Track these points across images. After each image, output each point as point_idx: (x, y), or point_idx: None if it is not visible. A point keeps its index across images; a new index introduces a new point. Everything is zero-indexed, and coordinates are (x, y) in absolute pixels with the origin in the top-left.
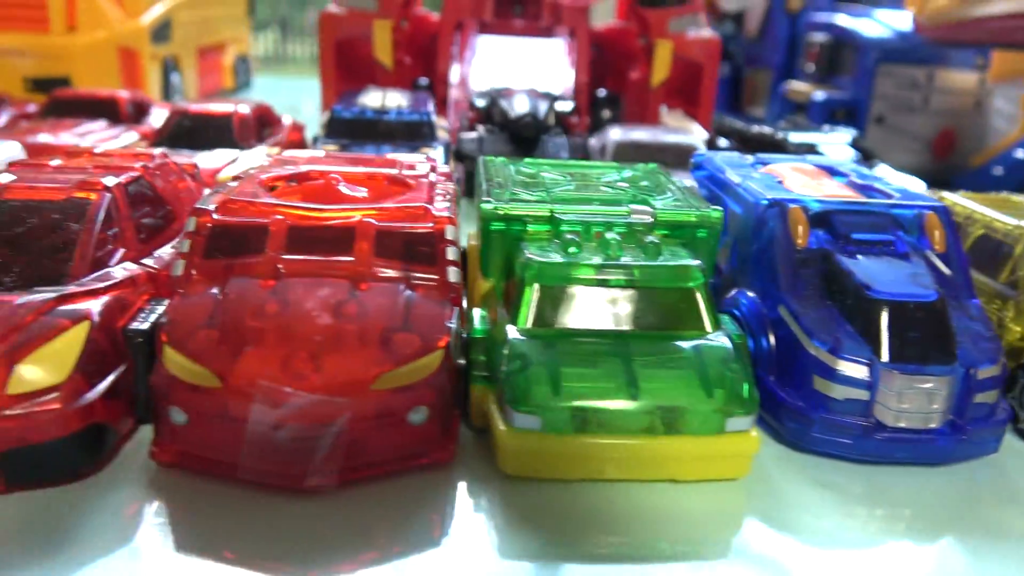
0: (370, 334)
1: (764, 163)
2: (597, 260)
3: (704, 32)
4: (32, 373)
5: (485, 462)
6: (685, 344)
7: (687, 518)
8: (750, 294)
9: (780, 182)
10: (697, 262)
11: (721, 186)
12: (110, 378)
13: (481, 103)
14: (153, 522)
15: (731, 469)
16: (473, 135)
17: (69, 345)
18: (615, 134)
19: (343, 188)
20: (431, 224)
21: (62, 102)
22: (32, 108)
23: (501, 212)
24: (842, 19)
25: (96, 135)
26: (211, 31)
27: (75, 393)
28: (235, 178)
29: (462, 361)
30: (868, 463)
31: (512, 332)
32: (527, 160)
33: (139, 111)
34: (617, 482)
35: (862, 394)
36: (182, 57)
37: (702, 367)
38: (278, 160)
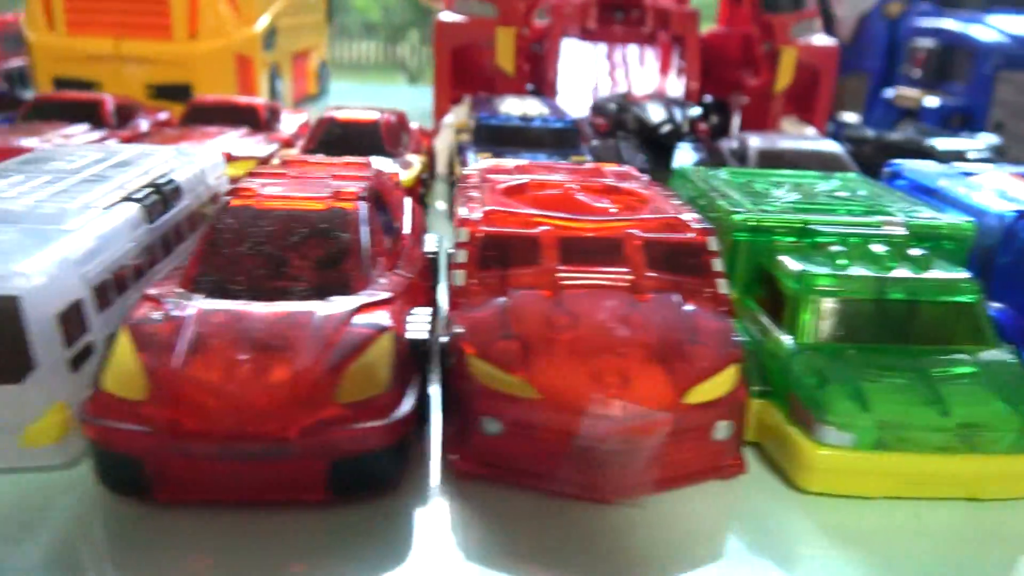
0: (667, 347)
1: (969, 173)
2: (872, 273)
3: (819, 38)
4: (356, 384)
5: (763, 474)
6: (973, 359)
7: (980, 536)
8: (996, 306)
9: (1009, 193)
10: (970, 275)
11: (932, 196)
12: (414, 387)
13: (608, 110)
14: (445, 531)
15: None
16: (609, 143)
17: (380, 356)
18: (755, 141)
19: (581, 197)
20: (692, 234)
21: (200, 109)
22: (163, 115)
23: (753, 222)
24: (951, 24)
25: (241, 142)
26: (301, 38)
27: (394, 403)
28: (471, 187)
29: None
30: None
31: (793, 346)
32: (729, 169)
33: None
34: (907, 499)
35: None
36: (282, 63)
37: (1001, 384)
38: (491, 168)
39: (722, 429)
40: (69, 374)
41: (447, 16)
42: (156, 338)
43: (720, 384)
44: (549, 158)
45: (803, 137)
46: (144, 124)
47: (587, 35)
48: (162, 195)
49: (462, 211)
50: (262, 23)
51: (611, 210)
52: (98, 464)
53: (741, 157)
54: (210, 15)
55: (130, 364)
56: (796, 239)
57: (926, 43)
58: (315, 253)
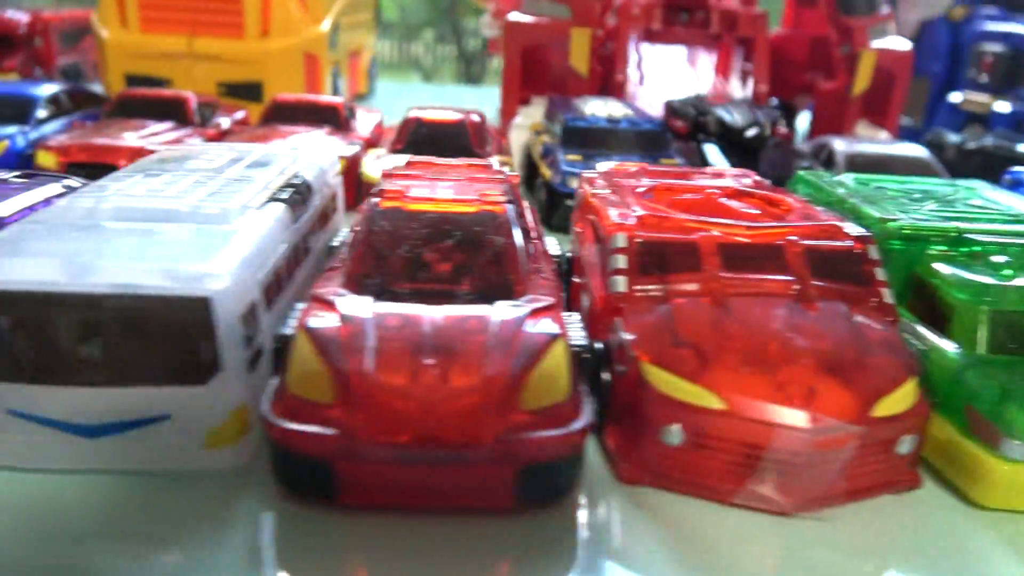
0: (846, 358)
1: None
2: None
3: (893, 41)
4: (539, 391)
5: (933, 488)
6: None
7: None
8: None
9: None
10: None
11: None
12: (587, 393)
13: (686, 112)
14: (610, 540)
15: None
16: (690, 145)
17: (558, 363)
18: (840, 145)
19: (725, 202)
20: (851, 242)
21: (282, 108)
22: (240, 114)
23: (908, 230)
24: (1021, 29)
25: (327, 142)
26: (355, 37)
27: (575, 410)
28: (604, 191)
29: None
30: None
31: (964, 357)
32: (854, 175)
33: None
34: None
35: None
36: (341, 62)
37: None
38: (614, 171)
39: (906, 443)
40: (247, 376)
41: (517, 16)
42: (337, 341)
43: (904, 397)
44: (640, 161)
45: (885, 141)
46: (226, 122)
47: (650, 36)
48: (301, 195)
49: (612, 215)
50: (329, 22)
51: (759, 215)
52: (282, 467)
53: (826, 161)
54: (281, 13)
55: (314, 367)
56: (948, 248)
57: (994, 47)
58: (474, 256)
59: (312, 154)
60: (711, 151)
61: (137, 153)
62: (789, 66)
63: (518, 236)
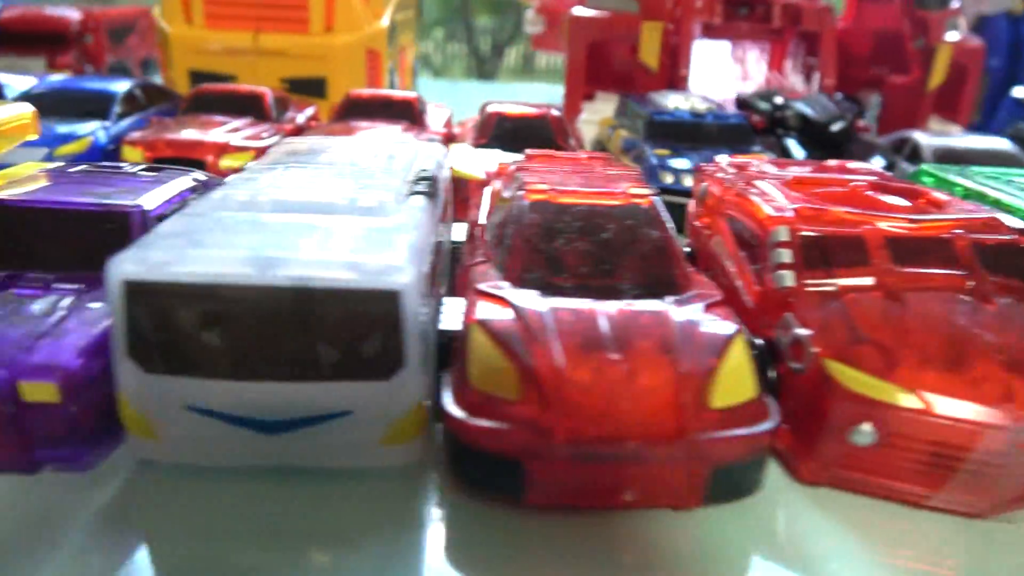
0: None
1: None
2: None
3: (962, 35)
4: (727, 388)
5: None
6: None
7: None
8: None
9: None
10: None
11: None
12: (767, 392)
13: (760, 107)
14: (784, 543)
15: None
16: (770, 140)
17: (741, 360)
18: (924, 139)
19: (872, 195)
20: (1015, 236)
21: (357, 103)
22: (311, 110)
23: None
24: None
25: (402, 137)
26: (404, 34)
27: (762, 408)
28: (742, 182)
29: None
30: None
31: None
32: (979, 170)
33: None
34: None
35: None
36: (395, 58)
37: None
38: (732, 164)
39: None
40: (424, 371)
41: (582, 11)
42: (516, 335)
43: None
44: (719, 154)
45: (967, 135)
46: (300, 117)
47: (709, 31)
48: (434, 187)
49: (765, 208)
50: (388, 18)
51: (912, 208)
52: (465, 465)
53: (910, 155)
54: (345, 9)
55: (497, 362)
56: None
57: None
58: (630, 250)
59: (427, 148)
60: (793, 145)
61: (222, 148)
62: (852, 61)
63: (671, 229)
